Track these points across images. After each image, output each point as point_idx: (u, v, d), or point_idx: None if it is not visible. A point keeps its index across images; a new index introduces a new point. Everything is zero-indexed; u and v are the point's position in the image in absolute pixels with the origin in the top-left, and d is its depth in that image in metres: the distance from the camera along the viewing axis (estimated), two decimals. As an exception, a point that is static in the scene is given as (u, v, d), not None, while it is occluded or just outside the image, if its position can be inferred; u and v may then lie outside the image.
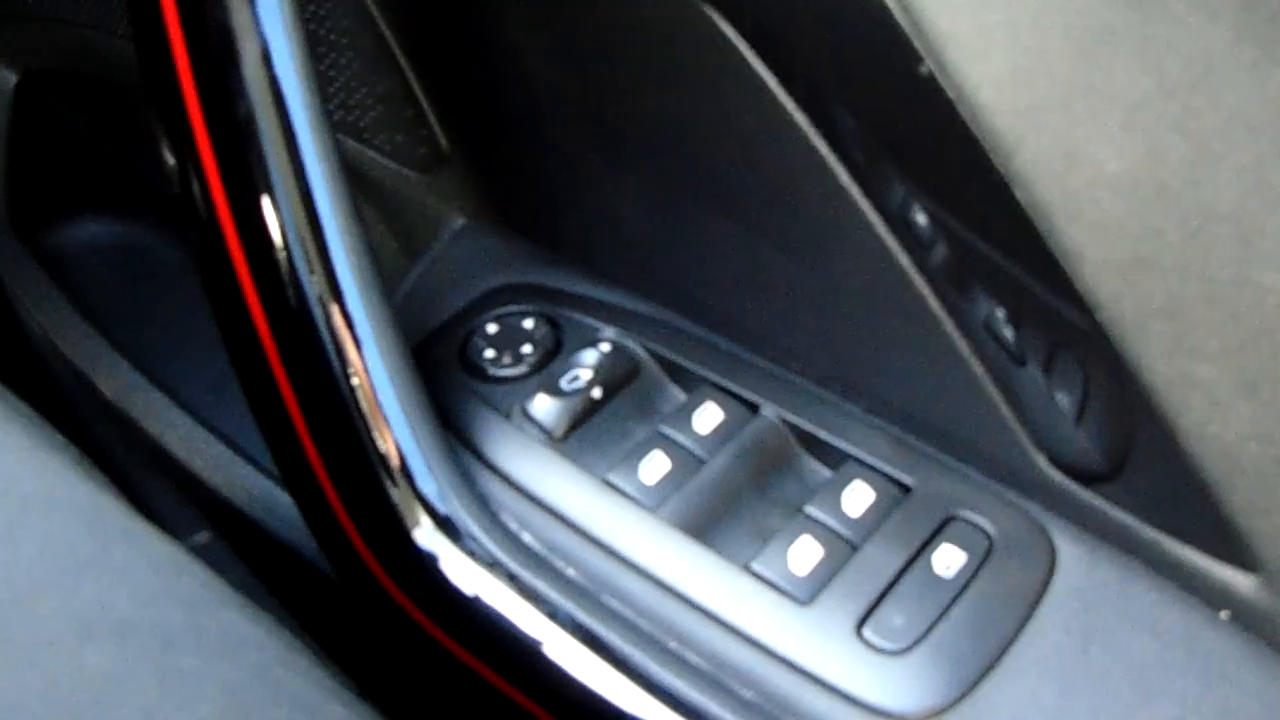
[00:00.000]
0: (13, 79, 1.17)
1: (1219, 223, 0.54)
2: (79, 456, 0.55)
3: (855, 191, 0.63)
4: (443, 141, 0.84)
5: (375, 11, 0.80)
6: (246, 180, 0.64)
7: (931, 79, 0.55)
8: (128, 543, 0.52)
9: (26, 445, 0.55)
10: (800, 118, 0.62)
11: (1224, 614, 0.61)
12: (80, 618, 0.48)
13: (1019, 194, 0.55)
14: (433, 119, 0.83)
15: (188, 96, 0.64)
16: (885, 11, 0.55)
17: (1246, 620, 0.60)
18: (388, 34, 0.81)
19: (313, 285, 0.65)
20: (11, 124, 1.19)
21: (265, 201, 0.64)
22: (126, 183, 1.20)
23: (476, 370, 0.75)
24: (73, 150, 1.22)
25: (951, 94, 0.55)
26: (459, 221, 0.86)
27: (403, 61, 0.81)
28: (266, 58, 0.63)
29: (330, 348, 0.65)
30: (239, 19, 0.63)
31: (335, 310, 0.65)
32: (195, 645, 0.49)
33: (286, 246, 0.64)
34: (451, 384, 0.74)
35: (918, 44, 0.55)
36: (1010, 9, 0.55)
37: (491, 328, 0.77)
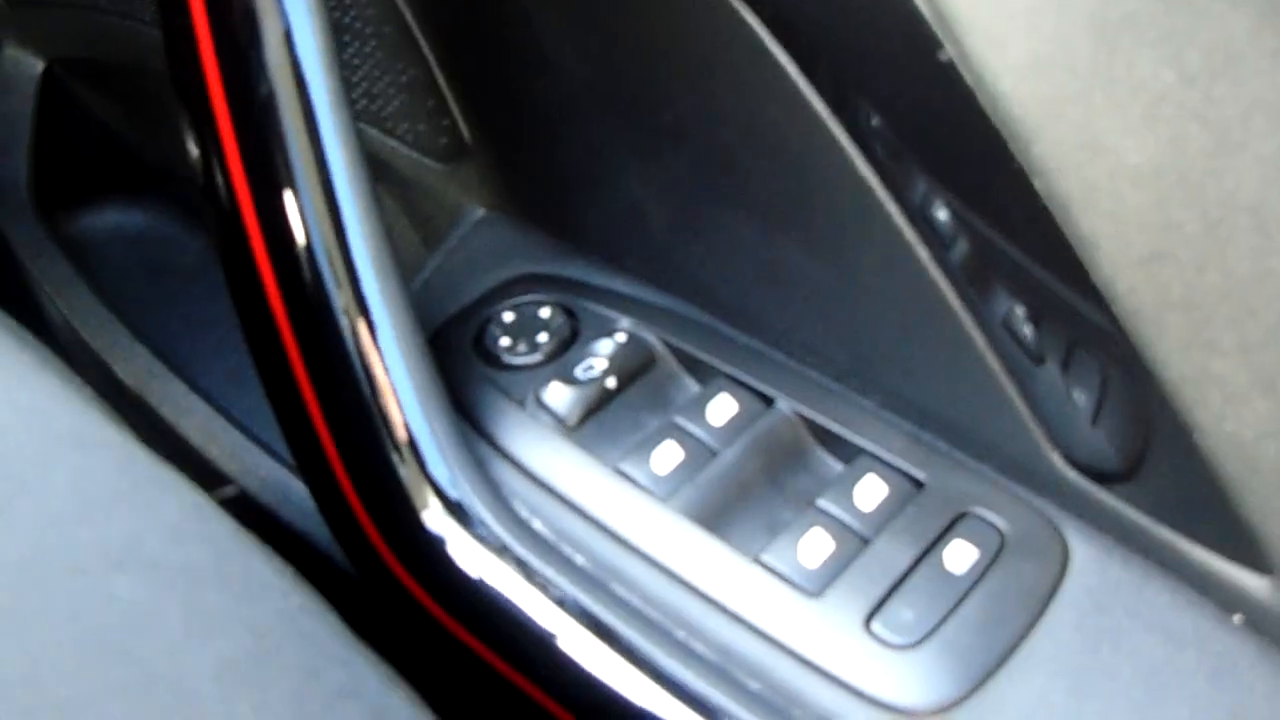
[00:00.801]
0: (39, 65, 1.18)
1: (1239, 214, 0.54)
2: (110, 409, 0.56)
3: (876, 185, 0.62)
4: (465, 132, 0.84)
5: (400, 1, 0.80)
6: (267, 167, 0.64)
7: (952, 67, 0.55)
8: (157, 485, 0.52)
9: (59, 388, 0.55)
10: (822, 110, 0.62)
11: (1237, 617, 0.60)
12: (110, 549, 0.49)
13: (1038, 184, 0.55)
14: (455, 109, 0.83)
15: (210, 83, 0.64)
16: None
17: (1260, 623, 0.60)
18: (412, 23, 0.81)
19: (330, 271, 0.65)
20: (38, 110, 1.20)
21: (285, 189, 0.64)
22: (150, 170, 1.21)
23: (492, 358, 0.74)
24: (98, 137, 1.22)
25: (971, 82, 0.55)
26: (479, 212, 0.86)
27: (426, 51, 0.82)
28: (289, 43, 0.63)
29: (347, 333, 0.65)
30: (263, 3, 0.63)
31: (352, 299, 0.65)
32: (221, 585, 0.49)
33: (306, 233, 0.64)
34: (467, 371, 0.74)
35: (938, 31, 0.55)
36: None
37: (508, 316, 0.77)
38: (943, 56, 0.55)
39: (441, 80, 0.82)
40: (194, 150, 0.66)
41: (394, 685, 0.50)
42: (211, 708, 0.45)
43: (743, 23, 0.62)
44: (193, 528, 0.51)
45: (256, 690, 0.46)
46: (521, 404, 0.71)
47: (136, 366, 1.07)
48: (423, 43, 0.81)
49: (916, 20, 0.55)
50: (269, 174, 0.64)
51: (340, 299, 0.65)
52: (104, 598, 0.47)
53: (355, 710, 0.48)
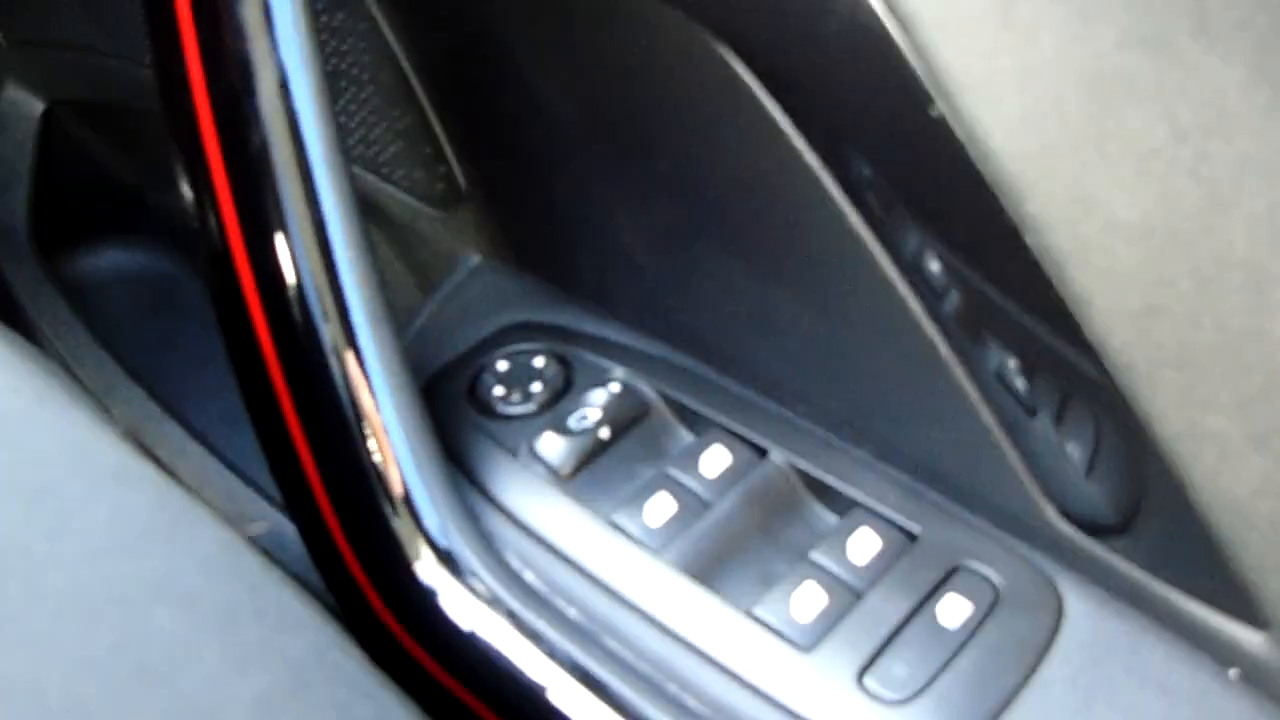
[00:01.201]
0: (39, 106, 1.19)
1: (1231, 271, 0.54)
2: (141, 446, 0.57)
3: (868, 237, 0.62)
4: (460, 179, 0.84)
5: (397, 48, 0.81)
6: (260, 213, 0.64)
7: (943, 122, 0.55)
8: (191, 520, 0.54)
9: (95, 424, 0.56)
10: (814, 161, 0.62)
11: (1233, 672, 0.60)
12: (150, 582, 0.50)
13: (1030, 240, 0.55)
14: (451, 156, 0.84)
15: (204, 127, 0.64)
16: (898, 54, 0.55)
17: (1255, 678, 0.60)
18: (408, 71, 0.81)
19: (323, 320, 0.65)
20: (37, 151, 1.20)
21: (278, 235, 0.64)
22: (148, 212, 1.21)
23: (485, 407, 0.74)
24: (96, 178, 1.23)
25: (963, 137, 0.55)
26: (474, 259, 0.86)
27: (422, 98, 0.82)
28: (284, 89, 0.63)
29: (339, 382, 0.65)
30: (257, 50, 0.63)
31: (345, 345, 0.65)
32: (256, 620, 0.51)
33: (298, 279, 0.65)
34: (460, 420, 0.74)
35: (930, 86, 0.55)
36: (1023, 52, 0.55)
37: (502, 365, 0.77)
38: (934, 112, 0.55)
39: (437, 127, 0.83)
40: (188, 194, 0.66)
41: None
42: None
43: (736, 75, 0.62)
44: (226, 562, 0.53)
45: None
46: (515, 454, 0.71)
47: (132, 408, 1.07)
48: (419, 90, 0.82)
49: (908, 75, 0.55)
50: (262, 220, 0.64)
51: (333, 347, 0.65)
52: (144, 629, 0.49)
53: None
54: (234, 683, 0.48)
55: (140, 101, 1.03)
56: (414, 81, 0.81)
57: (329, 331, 0.65)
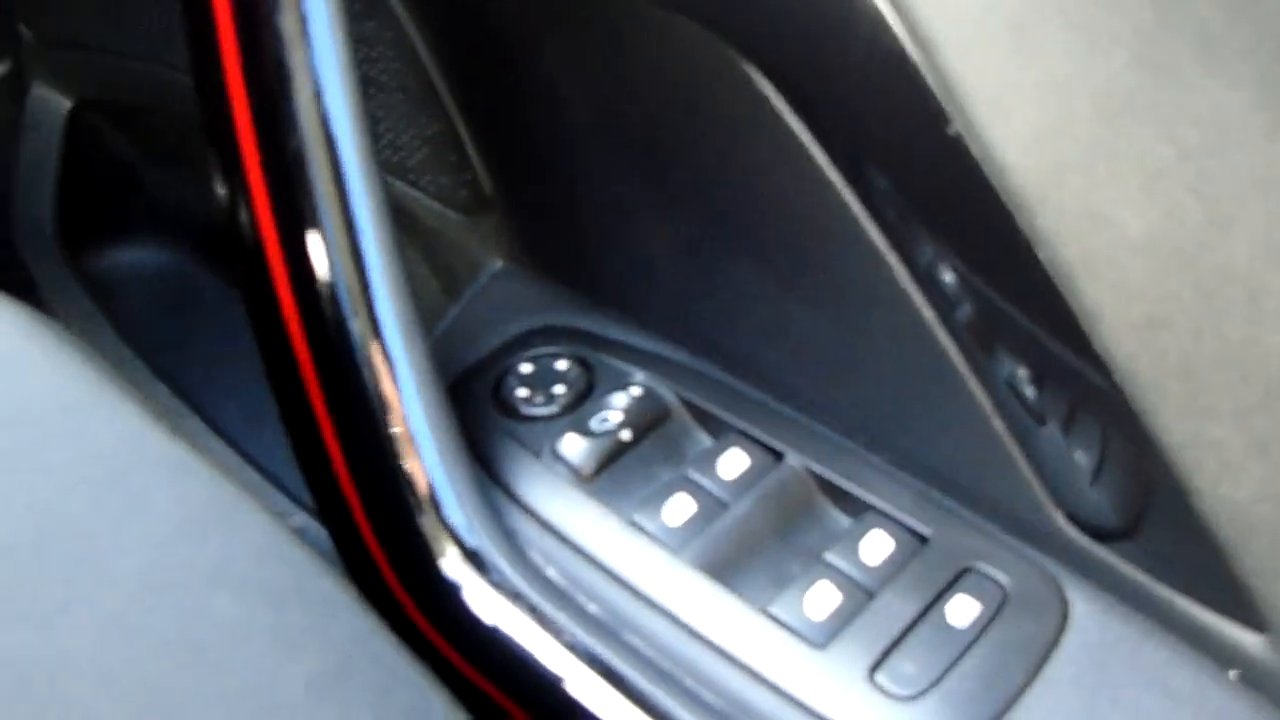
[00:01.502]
0: (67, 106, 1.19)
1: (1232, 285, 0.55)
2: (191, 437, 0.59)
3: (885, 249, 0.64)
4: (485, 185, 0.86)
5: (425, 56, 0.82)
6: (295, 213, 0.66)
7: (960, 140, 0.57)
8: (241, 509, 0.55)
9: (148, 418, 0.58)
10: (834, 175, 0.64)
11: (1233, 673, 0.61)
12: (207, 569, 0.52)
13: (1041, 253, 0.56)
14: (477, 163, 0.85)
15: (241, 129, 0.66)
16: (918, 74, 0.57)
17: (1255, 679, 0.61)
18: (436, 78, 0.83)
19: (354, 319, 0.67)
20: (64, 150, 1.21)
21: (312, 235, 0.66)
22: (172, 212, 1.22)
23: (509, 409, 0.76)
24: (121, 177, 1.24)
25: (978, 154, 0.56)
26: (498, 264, 0.88)
27: (450, 106, 0.84)
28: (319, 96, 0.65)
29: (368, 380, 0.67)
30: (295, 57, 0.64)
31: (374, 344, 0.67)
32: (304, 606, 0.52)
33: (331, 279, 0.66)
34: (484, 421, 0.75)
35: (947, 106, 0.56)
36: (1036, 74, 0.56)
37: (525, 367, 0.78)
38: (951, 131, 0.56)
39: (464, 134, 0.84)
40: (221, 193, 0.68)
41: (457, 709, 0.52)
42: None
43: (759, 92, 0.64)
44: (275, 550, 0.54)
45: (338, 706, 0.49)
46: (538, 454, 0.73)
47: (155, 405, 1.08)
48: (446, 98, 0.83)
49: (927, 94, 0.57)
50: (296, 220, 0.66)
51: (363, 347, 0.67)
52: (202, 614, 0.50)
53: None
54: (285, 665, 0.49)
55: (167, 103, 1.04)
56: (441, 89, 0.83)
57: (359, 332, 0.66)
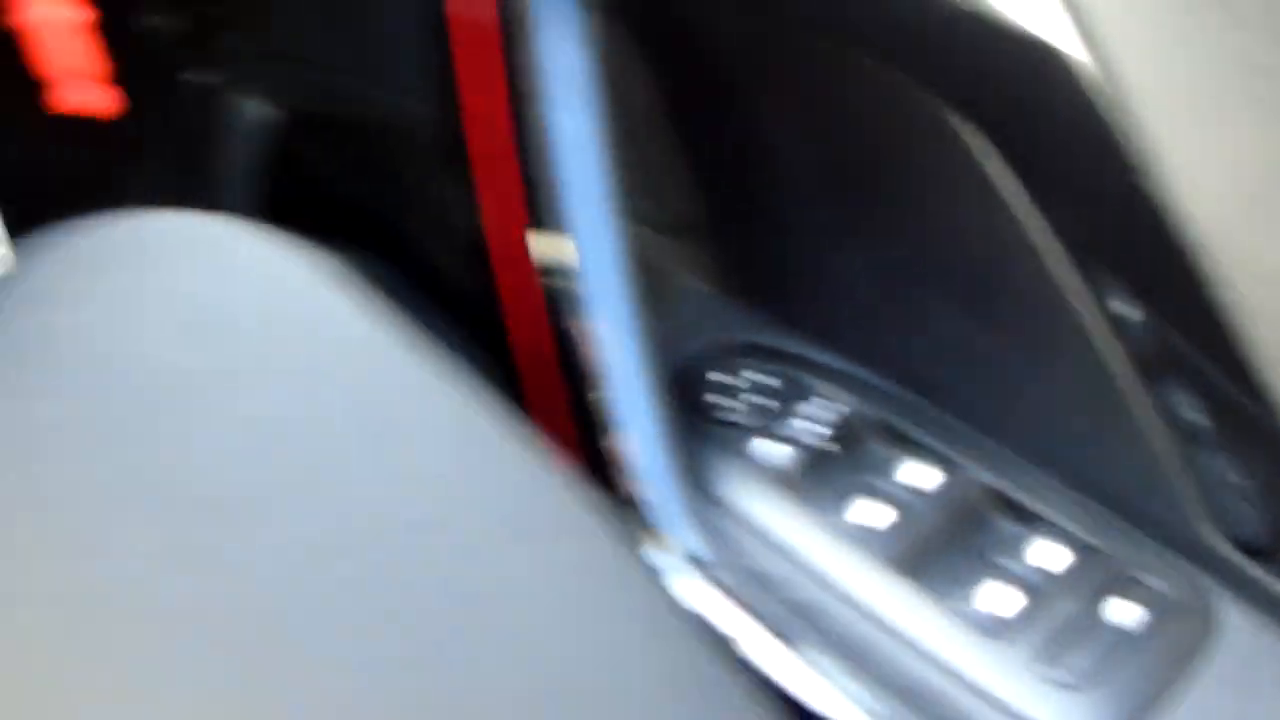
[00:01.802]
0: (272, 116, 1.24)
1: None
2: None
3: (1068, 284, 0.68)
4: (688, 210, 0.90)
5: (640, 87, 0.87)
6: (543, 227, 0.73)
7: (1151, 190, 0.60)
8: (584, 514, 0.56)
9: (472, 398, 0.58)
10: (1023, 212, 0.68)
11: None
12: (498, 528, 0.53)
13: (1218, 295, 0.60)
14: (681, 189, 0.90)
15: (498, 139, 0.73)
16: (1116, 129, 0.60)
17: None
18: (650, 108, 0.88)
19: (587, 321, 0.73)
20: (267, 160, 1.25)
21: (559, 242, 0.73)
22: (371, 223, 1.26)
23: (708, 414, 0.81)
24: (322, 189, 1.28)
25: (1167, 206, 0.60)
26: (697, 285, 0.92)
27: (660, 132, 0.88)
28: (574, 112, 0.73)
29: (596, 382, 0.74)
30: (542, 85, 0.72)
31: (603, 347, 0.73)
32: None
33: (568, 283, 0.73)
34: (685, 424, 0.79)
35: (1137, 158, 0.60)
36: (1223, 136, 0.61)
37: (725, 378, 0.83)
38: (1142, 182, 0.60)
39: (672, 160, 0.89)
40: (464, 207, 0.75)
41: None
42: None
43: (959, 134, 0.68)
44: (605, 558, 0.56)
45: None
46: (736, 457, 0.78)
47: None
48: (657, 124, 0.88)
49: (1122, 147, 0.60)
50: (544, 235, 0.73)
51: (593, 348, 0.73)
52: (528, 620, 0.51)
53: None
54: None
55: (367, 118, 1.09)
56: (655, 118, 0.87)
57: (589, 332, 0.73)
